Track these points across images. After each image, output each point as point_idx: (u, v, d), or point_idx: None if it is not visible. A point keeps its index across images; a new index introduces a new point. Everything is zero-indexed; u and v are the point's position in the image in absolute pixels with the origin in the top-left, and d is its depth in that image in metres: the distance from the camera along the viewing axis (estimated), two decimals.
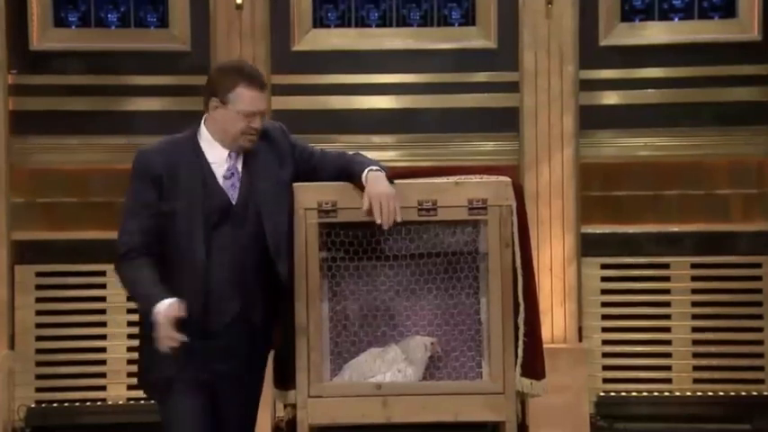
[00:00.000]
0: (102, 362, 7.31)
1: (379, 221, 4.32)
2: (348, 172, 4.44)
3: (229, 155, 4.44)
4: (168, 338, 4.20)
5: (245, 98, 4.38)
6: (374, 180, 4.36)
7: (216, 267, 4.36)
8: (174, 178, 4.37)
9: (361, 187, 4.38)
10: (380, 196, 4.33)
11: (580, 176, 7.24)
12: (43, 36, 7.36)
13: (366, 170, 4.38)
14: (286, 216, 4.43)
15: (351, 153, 4.57)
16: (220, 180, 4.41)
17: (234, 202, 4.41)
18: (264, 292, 4.45)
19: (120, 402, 7.25)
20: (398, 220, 4.34)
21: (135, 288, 4.39)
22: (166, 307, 4.22)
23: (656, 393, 7.34)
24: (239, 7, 7.15)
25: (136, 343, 4.56)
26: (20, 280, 7.26)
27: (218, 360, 4.41)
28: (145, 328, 4.39)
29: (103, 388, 7.30)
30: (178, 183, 4.38)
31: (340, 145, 7.26)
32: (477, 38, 7.41)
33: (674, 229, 7.38)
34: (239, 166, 4.45)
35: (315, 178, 4.49)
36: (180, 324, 4.22)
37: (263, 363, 4.60)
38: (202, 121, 4.47)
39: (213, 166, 4.43)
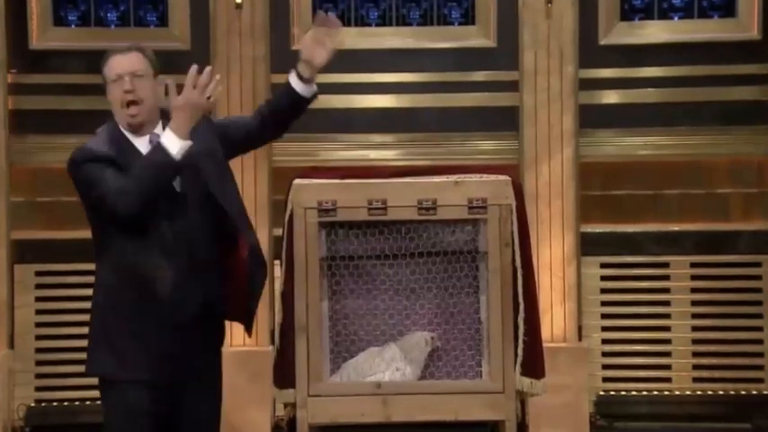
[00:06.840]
0: None
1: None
2: (278, 96, 4.56)
3: (150, 140, 4.31)
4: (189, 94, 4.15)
5: (112, 65, 4.41)
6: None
7: (173, 257, 4.23)
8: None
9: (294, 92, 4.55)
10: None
11: (580, 176, 7.23)
12: (43, 35, 7.35)
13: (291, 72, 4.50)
14: (236, 194, 4.40)
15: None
16: None
17: (178, 189, 4.29)
18: (219, 278, 4.35)
19: None
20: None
21: (142, 171, 4.19)
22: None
23: (655, 392, 7.34)
24: (239, 7, 7.14)
25: None
26: (20, 279, 7.25)
27: (190, 355, 4.31)
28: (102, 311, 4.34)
29: None
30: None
31: (340, 144, 7.27)
32: (476, 37, 7.40)
33: (674, 228, 7.38)
34: None
35: (241, 140, 4.52)
36: (150, 310, 4.19)
37: (219, 353, 4.50)
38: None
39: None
